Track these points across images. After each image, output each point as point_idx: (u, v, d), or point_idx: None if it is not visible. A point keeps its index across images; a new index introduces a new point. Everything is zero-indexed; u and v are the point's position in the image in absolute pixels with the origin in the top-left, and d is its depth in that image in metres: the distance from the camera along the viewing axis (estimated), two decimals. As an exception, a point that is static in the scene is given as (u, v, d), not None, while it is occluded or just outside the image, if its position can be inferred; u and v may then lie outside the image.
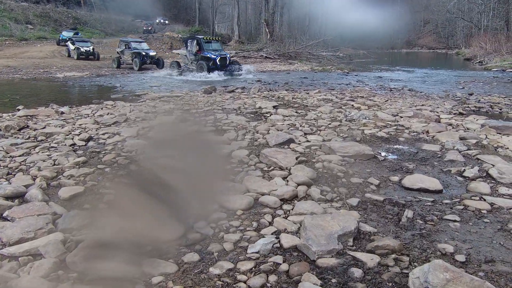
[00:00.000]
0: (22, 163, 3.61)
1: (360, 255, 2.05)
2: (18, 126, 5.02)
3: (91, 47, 26.33)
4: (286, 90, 10.74)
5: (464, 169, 3.61)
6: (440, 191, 3.10)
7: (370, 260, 2.00)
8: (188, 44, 17.36)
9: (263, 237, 2.26)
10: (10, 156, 3.82)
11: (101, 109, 6.87)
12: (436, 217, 2.59)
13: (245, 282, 1.82)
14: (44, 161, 3.65)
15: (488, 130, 5.36)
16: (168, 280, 1.86)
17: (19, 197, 2.82)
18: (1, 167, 3.44)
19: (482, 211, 2.70)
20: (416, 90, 11.69)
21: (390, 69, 22.28)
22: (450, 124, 5.93)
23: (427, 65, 27.46)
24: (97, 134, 4.84)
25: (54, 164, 3.56)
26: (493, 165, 3.69)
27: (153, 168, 3.24)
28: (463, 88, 12.56)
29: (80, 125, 5.37)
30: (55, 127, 5.17)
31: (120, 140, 4.46)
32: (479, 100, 9.36)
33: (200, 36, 18.06)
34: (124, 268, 1.95)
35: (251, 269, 1.94)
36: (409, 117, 6.48)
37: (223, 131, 4.97)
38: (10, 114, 6.31)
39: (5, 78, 14.99)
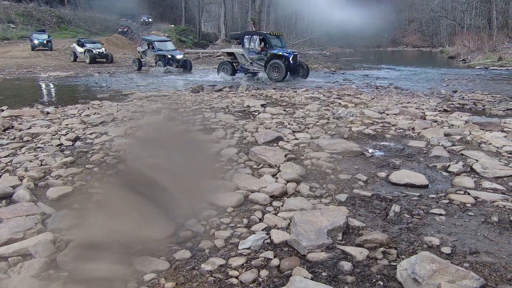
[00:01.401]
0: (8, 164, 3.57)
1: (349, 249, 2.09)
2: (3, 127, 4.95)
3: (103, 49, 24.63)
4: (273, 88, 10.78)
5: (449, 165, 3.69)
6: (426, 186, 3.17)
7: (359, 253, 2.04)
8: (245, 41, 14.51)
9: (254, 233, 2.29)
10: (-4, 157, 3.77)
11: (88, 109, 6.80)
12: (422, 211, 2.65)
13: (237, 278, 1.84)
14: (31, 161, 3.61)
15: (471, 126, 5.47)
16: (160, 277, 1.87)
17: (6, 198, 2.79)
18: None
19: (467, 204, 2.78)
20: (402, 88, 11.85)
21: (376, 67, 22.50)
22: (435, 121, 6.04)
23: (412, 63, 27.83)
24: (84, 134, 4.80)
25: (41, 165, 3.53)
26: (477, 160, 3.79)
27: (141, 167, 3.24)
28: (447, 85, 12.78)
29: (66, 125, 5.32)
30: (41, 128, 5.10)
31: (108, 139, 4.43)
32: (463, 97, 9.53)
33: (264, 32, 15.45)
34: (115, 267, 1.95)
35: (243, 264, 1.96)
36: (395, 114, 6.58)
37: (211, 130, 4.98)
38: (-5, 114, 6.20)
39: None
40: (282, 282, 1.81)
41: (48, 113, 6.38)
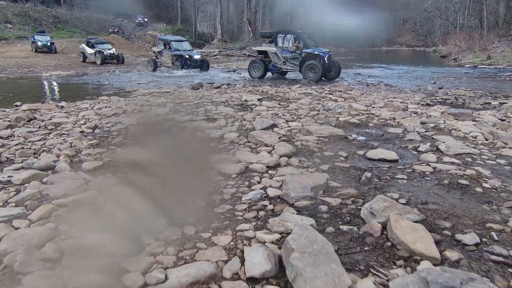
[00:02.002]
0: (42, 146, 4.20)
1: (327, 199, 2.75)
2: (27, 118, 5.57)
3: (113, 49, 24.82)
4: (269, 85, 11.43)
5: (419, 145, 4.36)
6: (396, 161, 3.83)
7: (334, 201, 2.70)
8: (279, 39, 14.48)
9: (254, 190, 2.94)
10: (30, 141, 4.39)
11: (98, 103, 7.42)
12: (389, 177, 3.32)
13: (241, 216, 2.49)
14: (61, 143, 4.24)
15: (446, 116, 6.15)
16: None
17: (51, 169, 3.42)
18: (27, 149, 4.01)
19: (426, 172, 3.44)
20: (391, 85, 12.55)
21: (369, 66, 23.25)
22: (416, 113, 6.71)
23: (405, 62, 28.60)
24: (101, 123, 5.43)
25: (71, 146, 4.16)
26: (444, 142, 4.46)
27: (159, 147, 3.88)
28: (435, 83, 13.50)
29: (83, 116, 5.95)
30: (61, 118, 5.73)
31: (123, 127, 5.07)
32: (447, 93, 10.24)
33: (298, 31, 15.34)
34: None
35: (245, 208, 2.61)
36: (380, 107, 7.25)
37: (214, 120, 5.62)
38: (13, 108, 6.81)
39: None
40: (275, 217, 2.46)
41: (62, 107, 6.99)
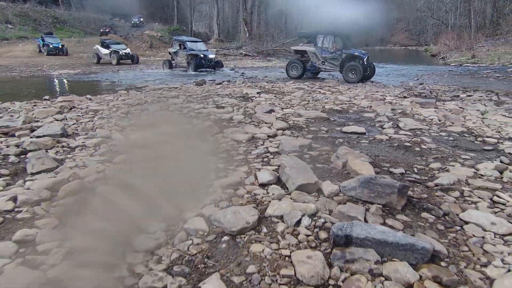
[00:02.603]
0: (94, 125, 5.49)
1: (309, 152, 4.07)
2: (69, 106, 6.85)
3: (128, 49, 25.40)
4: (266, 82, 12.76)
5: (384, 124, 5.71)
6: (363, 133, 5.17)
7: (314, 153, 4.03)
8: (318, 40, 14.72)
9: (259, 148, 4.26)
10: (81, 122, 5.68)
11: (120, 96, 8.71)
12: (355, 142, 4.65)
13: (252, 160, 3.81)
14: (107, 123, 5.53)
15: (414, 105, 7.52)
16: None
17: (109, 138, 4.71)
18: (84, 127, 5.31)
19: (383, 140, 4.78)
20: (377, 82, 13.92)
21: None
22: (390, 102, 8.07)
23: (396, 61, 30.04)
24: (130, 110, 6.72)
25: (116, 124, 5.45)
26: (404, 122, 5.80)
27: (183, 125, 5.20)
28: (418, 79, 14.88)
29: (113, 105, 7.24)
30: (96, 107, 7.01)
31: (151, 112, 6.37)
32: (425, 88, 11.60)
33: (340, 32, 15.17)
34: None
35: (255, 157, 3.93)
36: (361, 99, 8.60)
37: (222, 107, 6.94)
38: (50, 101, 8.08)
39: (5, 76, 16.46)
40: (274, 159, 3.78)
41: (90, 99, 8.27)
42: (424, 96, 9.89)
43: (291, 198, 2.77)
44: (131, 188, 2.68)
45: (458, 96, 9.75)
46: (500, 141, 4.83)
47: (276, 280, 1.89)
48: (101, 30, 43.48)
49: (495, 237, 2.39)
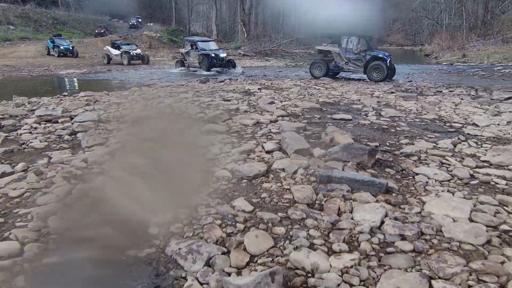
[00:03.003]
0: (120, 114, 6.48)
1: (304, 132, 5.09)
2: (94, 99, 7.83)
3: (139, 50, 25.83)
4: (265, 80, 13.78)
5: (368, 113, 6.72)
6: (350, 119, 6.18)
7: (308, 132, 5.04)
8: (343, 41, 15.20)
9: (263, 130, 5.26)
10: (109, 111, 6.67)
11: (134, 92, 9.69)
12: (342, 125, 5.67)
13: (259, 137, 4.81)
14: (132, 111, 6.53)
15: (397, 98, 8.55)
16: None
17: (140, 120, 5.70)
18: (115, 115, 6.30)
19: (365, 124, 5.79)
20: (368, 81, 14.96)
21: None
22: (377, 97, 9.10)
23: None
24: (147, 103, 7.71)
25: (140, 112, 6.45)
26: (385, 111, 6.82)
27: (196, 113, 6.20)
28: (408, 77, 15.94)
29: (132, 99, 8.23)
30: (117, 100, 8.00)
31: (168, 103, 7.37)
32: (412, 85, 12.65)
33: (367, 34, 15.78)
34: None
35: (260, 136, 4.93)
36: (352, 93, 9.62)
37: (228, 100, 7.94)
38: (72, 96, 9.06)
39: (17, 76, 17.41)
40: (276, 136, 4.80)
41: (108, 94, 9.25)
42: (411, 92, 10.93)
43: (289, 158, 3.78)
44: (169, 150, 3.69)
45: (441, 91, 10.79)
46: (464, 126, 5.86)
47: (281, 201, 2.90)
48: (96, 31, 44.18)
49: (435, 182, 3.41)
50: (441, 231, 2.44)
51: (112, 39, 30.01)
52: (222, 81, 13.21)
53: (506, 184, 3.29)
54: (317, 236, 2.36)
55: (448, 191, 3.15)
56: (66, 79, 16.14)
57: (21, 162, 3.79)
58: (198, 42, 19.87)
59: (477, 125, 5.85)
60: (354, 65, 14.98)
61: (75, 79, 16.14)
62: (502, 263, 2.07)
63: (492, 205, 2.83)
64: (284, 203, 2.86)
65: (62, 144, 4.57)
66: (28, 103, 7.82)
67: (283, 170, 3.50)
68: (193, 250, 2.16)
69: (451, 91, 10.66)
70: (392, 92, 10.53)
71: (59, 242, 2.27)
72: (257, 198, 2.94)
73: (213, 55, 19.06)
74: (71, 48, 28.35)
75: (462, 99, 8.67)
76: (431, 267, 2.03)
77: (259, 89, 10.06)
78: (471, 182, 3.36)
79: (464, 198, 2.98)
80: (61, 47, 27.91)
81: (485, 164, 3.88)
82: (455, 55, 27.17)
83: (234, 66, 19.82)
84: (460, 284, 1.89)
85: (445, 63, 24.70)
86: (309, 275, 1.99)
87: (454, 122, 6.05)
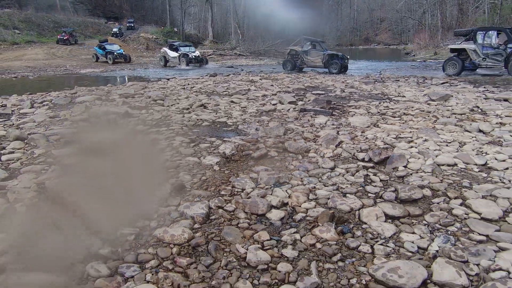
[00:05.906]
0: (178, 92, 10.07)
1: (295, 104, 8.77)
2: (143, 86, 11.42)
3: (197, 52, 26.85)
4: (263, 74, 17.47)
5: (336, 91, 10.43)
6: (324, 93, 9.86)
7: (296, 97, 8.72)
8: (479, 36, 15.12)
9: (268, 98, 8.93)
10: (169, 92, 10.25)
11: (163, 83, 13.27)
12: (317, 96, 9.36)
13: (266, 101, 8.47)
14: (186, 91, 10.14)
15: (360, 83, 12.29)
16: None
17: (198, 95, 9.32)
18: (172, 92, 9.88)
19: (332, 95, 9.48)
20: (348, 73, 18.72)
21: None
22: (346, 82, 12.81)
23: (374, 58, 35.10)
24: (186, 85, 11.30)
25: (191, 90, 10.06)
26: (347, 90, 10.51)
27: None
28: (380, 72, 19.72)
29: (171, 85, 11.81)
30: (158, 90, 11.57)
31: (197, 87, 10.98)
32: (379, 76, 16.41)
33: (508, 27, 15.51)
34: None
35: (268, 100, 8.59)
36: (329, 81, 13.34)
37: (240, 85, 11.59)
38: (120, 85, 12.63)
39: (47, 75, 20.77)
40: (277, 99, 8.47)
41: (147, 84, 12.84)
42: (375, 81, 14.66)
43: (285, 105, 7.44)
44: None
45: (398, 80, 14.55)
46: (395, 96, 9.57)
47: (281, 117, 6.58)
48: (59, 37, 38.92)
49: (360, 114, 7.09)
50: (352, 125, 6.14)
51: (170, 41, 30.96)
52: (228, 75, 16.85)
53: (393, 111, 7.02)
54: (298, 125, 6.03)
55: (362, 115, 6.84)
56: (92, 76, 19.55)
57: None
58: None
59: (404, 96, 9.58)
60: (493, 60, 14.88)
61: (101, 75, 19.58)
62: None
63: (380, 115, 6.55)
64: (284, 119, 6.52)
65: (156, 101, 8.17)
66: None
67: (282, 109, 7.17)
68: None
69: (406, 79, 14.43)
70: (357, 81, 14.26)
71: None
72: (270, 117, 6.61)
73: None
74: (123, 52, 29.36)
75: (409, 83, 12.44)
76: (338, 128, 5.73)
77: (260, 79, 13.75)
78: (376, 114, 7.07)
79: (369, 118, 6.69)
80: (115, 53, 28.52)
81: (390, 109, 7.59)
82: (429, 52, 31.18)
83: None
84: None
85: (419, 60, 28.63)
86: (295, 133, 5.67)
87: (390, 95, 9.77)
